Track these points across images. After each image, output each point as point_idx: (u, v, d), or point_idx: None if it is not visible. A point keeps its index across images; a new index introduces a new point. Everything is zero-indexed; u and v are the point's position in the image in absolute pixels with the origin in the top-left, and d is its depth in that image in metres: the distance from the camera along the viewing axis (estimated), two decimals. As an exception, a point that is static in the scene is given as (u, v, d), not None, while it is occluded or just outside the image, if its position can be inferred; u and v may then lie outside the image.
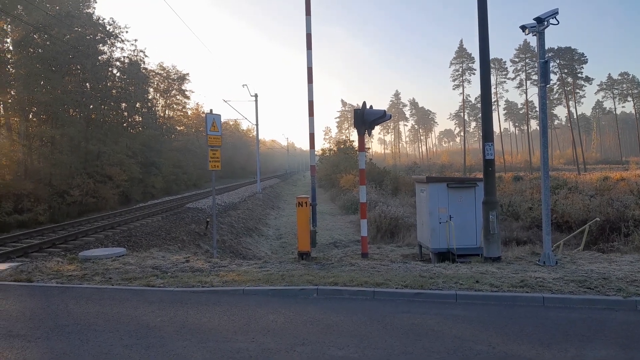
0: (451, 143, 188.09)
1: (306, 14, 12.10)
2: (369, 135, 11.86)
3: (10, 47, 30.02)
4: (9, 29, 29.64)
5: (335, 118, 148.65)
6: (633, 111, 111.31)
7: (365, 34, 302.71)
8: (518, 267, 8.86)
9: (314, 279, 7.76)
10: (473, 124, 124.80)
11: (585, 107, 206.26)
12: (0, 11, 27.35)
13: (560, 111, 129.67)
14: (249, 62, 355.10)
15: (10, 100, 29.51)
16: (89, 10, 37.72)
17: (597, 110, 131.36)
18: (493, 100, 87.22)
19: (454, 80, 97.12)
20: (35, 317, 6.06)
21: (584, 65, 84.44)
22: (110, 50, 39.10)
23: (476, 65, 76.67)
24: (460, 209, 13.06)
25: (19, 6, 29.10)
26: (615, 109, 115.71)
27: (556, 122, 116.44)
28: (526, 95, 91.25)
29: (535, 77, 79.95)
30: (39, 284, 7.92)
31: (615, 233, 16.36)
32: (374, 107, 11.12)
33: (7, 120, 29.38)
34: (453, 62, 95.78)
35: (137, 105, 44.06)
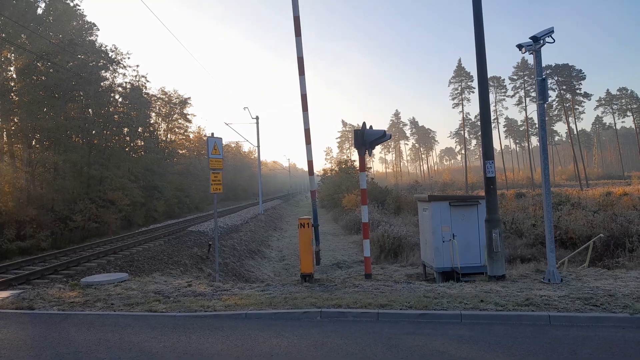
0: (452, 161, 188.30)
1: (296, 35, 11.17)
2: (370, 155, 11.91)
3: (14, 75, 30.41)
4: (12, 58, 30.08)
5: (336, 138, 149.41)
6: (633, 126, 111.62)
7: (365, 53, 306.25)
8: (523, 285, 8.79)
9: (318, 302, 7.69)
10: (474, 141, 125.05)
11: (585, 123, 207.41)
12: (4, 40, 27.79)
13: (561, 127, 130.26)
14: (250, 84, 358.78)
15: (13, 128, 29.75)
16: (92, 38, 38.33)
17: (597, 126, 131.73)
18: (493, 118, 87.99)
19: (453, 99, 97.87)
20: (37, 345, 6.01)
21: (582, 82, 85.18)
22: (112, 76, 39.58)
23: (475, 83, 77.47)
24: (463, 227, 13.01)
25: (22, 35, 29.58)
26: (615, 124, 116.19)
27: (557, 138, 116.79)
28: (526, 112, 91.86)
29: (534, 94, 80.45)
30: (40, 312, 7.87)
31: (620, 249, 16.25)
32: (374, 127, 11.19)
33: (10, 147, 29.57)
34: (452, 81, 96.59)
35: (139, 130, 44.32)
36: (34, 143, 30.79)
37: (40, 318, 7.48)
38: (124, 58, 40.13)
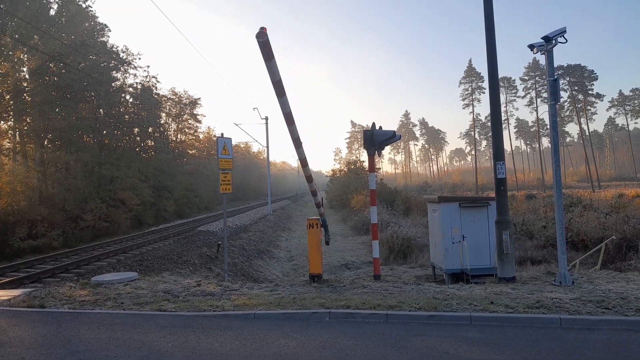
0: (462, 162, 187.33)
1: (278, 96, 9.29)
2: (379, 156, 11.86)
3: (27, 76, 30.75)
4: (25, 58, 30.40)
5: (345, 139, 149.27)
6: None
7: (375, 53, 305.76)
8: (533, 287, 8.71)
9: (326, 302, 7.68)
10: (484, 142, 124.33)
11: (598, 124, 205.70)
12: (17, 41, 28.10)
13: (572, 128, 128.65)
14: (260, 85, 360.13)
15: (26, 128, 30.08)
16: (103, 39, 38.54)
17: (610, 127, 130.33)
18: (503, 118, 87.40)
19: (463, 100, 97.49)
20: (48, 343, 6.06)
21: (594, 82, 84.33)
22: (123, 76, 39.88)
23: (485, 84, 76.98)
24: (473, 228, 12.92)
25: (35, 36, 29.88)
26: (627, 125, 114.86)
27: (568, 139, 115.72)
28: (537, 113, 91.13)
29: (545, 94, 79.82)
30: (51, 310, 7.94)
31: (633, 251, 16.05)
32: (384, 128, 11.16)
33: (22, 147, 29.90)
34: (462, 81, 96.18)
35: (149, 130, 44.60)
36: (46, 143, 31.12)
37: (51, 316, 7.55)
38: (135, 59, 40.49)
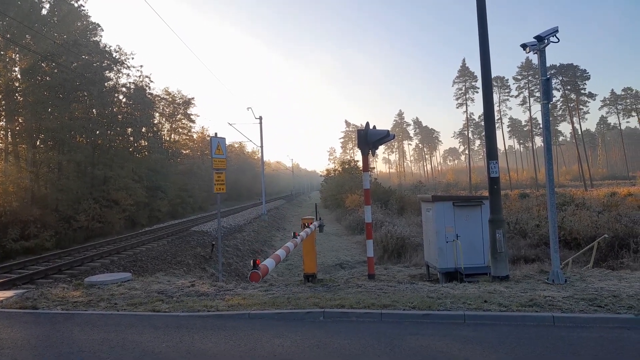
0: (456, 161, 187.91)
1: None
2: (373, 155, 11.89)
3: (19, 76, 30.53)
4: (17, 58, 30.18)
5: (340, 138, 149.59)
6: (638, 126, 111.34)
7: (369, 53, 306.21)
8: (527, 285, 8.75)
9: (320, 302, 7.68)
10: (477, 142, 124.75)
11: (590, 123, 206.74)
12: (9, 41, 27.89)
13: (565, 127, 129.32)
14: (254, 84, 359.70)
15: (18, 128, 29.88)
16: (96, 39, 38.34)
17: (602, 126, 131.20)
18: (497, 118, 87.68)
19: (457, 99, 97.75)
20: (40, 344, 6.02)
21: (586, 82, 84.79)
22: (116, 76, 39.65)
23: (479, 83, 77.16)
24: (466, 227, 12.97)
25: (27, 36, 29.67)
26: (619, 124, 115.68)
27: (561, 138, 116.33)
28: (530, 112, 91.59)
29: (538, 94, 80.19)
30: (44, 311, 7.88)
31: (625, 249, 16.17)
32: (378, 128, 11.18)
33: (14, 147, 29.68)
34: (456, 81, 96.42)
35: (142, 130, 44.37)
36: (38, 143, 30.92)
37: (43, 317, 7.50)
38: (128, 58, 40.28)
